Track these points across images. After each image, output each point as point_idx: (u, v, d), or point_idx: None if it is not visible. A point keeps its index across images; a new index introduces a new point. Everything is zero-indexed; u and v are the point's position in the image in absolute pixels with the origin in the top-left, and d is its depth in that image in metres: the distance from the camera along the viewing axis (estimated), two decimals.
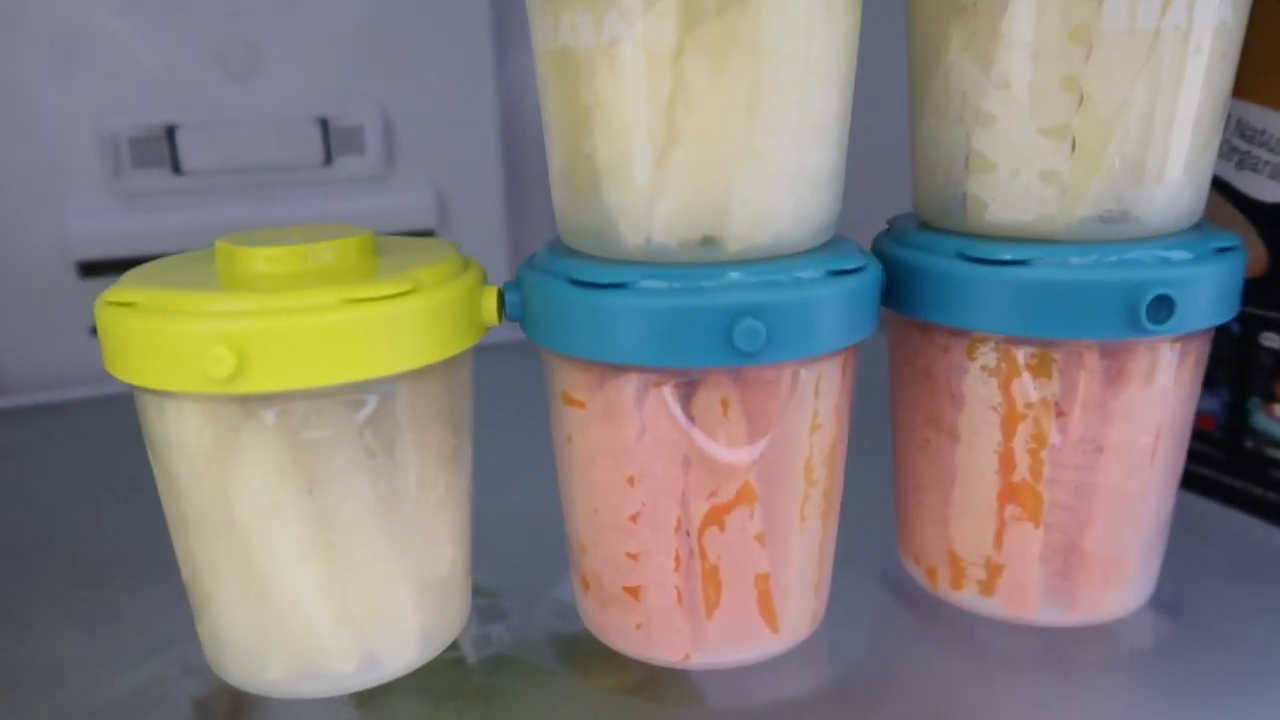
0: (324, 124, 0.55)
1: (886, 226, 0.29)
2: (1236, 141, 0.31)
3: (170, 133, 0.52)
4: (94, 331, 0.53)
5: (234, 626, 0.24)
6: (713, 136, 0.22)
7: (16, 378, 0.52)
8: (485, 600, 0.29)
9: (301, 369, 0.21)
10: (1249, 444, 0.33)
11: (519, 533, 0.32)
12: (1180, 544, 0.29)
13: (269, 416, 0.22)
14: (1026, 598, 0.27)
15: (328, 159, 0.55)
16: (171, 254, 0.53)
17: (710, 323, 0.22)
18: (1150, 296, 0.23)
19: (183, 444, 0.23)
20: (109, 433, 0.47)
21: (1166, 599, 0.28)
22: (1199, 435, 0.34)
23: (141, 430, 0.24)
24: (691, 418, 0.23)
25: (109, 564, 0.33)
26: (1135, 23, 0.22)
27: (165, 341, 0.21)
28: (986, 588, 0.27)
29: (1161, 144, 0.23)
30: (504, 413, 0.38)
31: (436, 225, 0.58)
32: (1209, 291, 0.24)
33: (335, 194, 0.56)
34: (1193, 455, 0.34)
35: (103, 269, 0.52)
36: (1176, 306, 0.23)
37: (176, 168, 0.52)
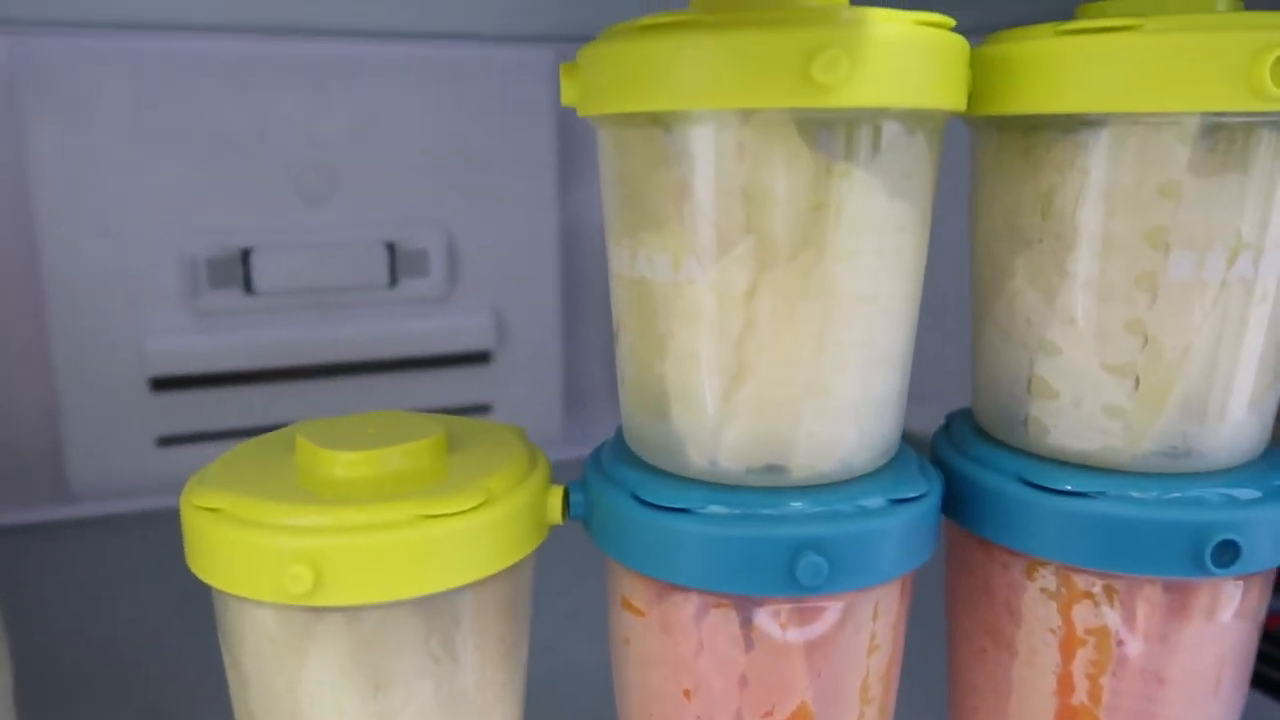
0: (391, 248, 0.57)
1: (945, 424, 0.29)
2: None
3: (245, 255, 0.54)
4: (162, 443, 0.54)
5: None
6: (781, 372, 0.22)
7: (84, 486, 0.54)
8: None
9: (376, 584, 0.22)
10: None
11: (566, 701, 0.32)
12: None
13: (339, 623, 0.23)
14: None
15: (393, 281, 0.57)
16: (240, 371, 0.54)
17: (773, 554, 0.22)
18: (1216, 540, 0.23)
19: (256, 643, 0.24)
20: (175, 546, 0.48)
21: None
22: (1267, 636, 0.33)
23: (216, 624, 0.25)
24: (750, 640, 0.23)
25: (198, 694, 0.33)
26: (1201, 274, 0.22)
27: (246, 553, 0.22)
28: None
29: (1225, 385, 0.23)
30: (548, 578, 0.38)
31: (494, 346, 0.60)
32: (1274, 532, 0.24)
33: (399, 314, 0.58)
34: (1261, 657, 0.34)
35: (174, 384, 0.54)
36: (1242, 550, 0.23)
37: (249, 288, 0.54)
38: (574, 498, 0.26)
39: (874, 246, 0.22)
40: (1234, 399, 0.24)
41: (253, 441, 0.28)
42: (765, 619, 0.23)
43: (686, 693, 0.24)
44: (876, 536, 0.23)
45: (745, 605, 0.23)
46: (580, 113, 0.24)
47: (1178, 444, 0.24)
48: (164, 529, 0.50)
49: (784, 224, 0.21)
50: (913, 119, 0.22)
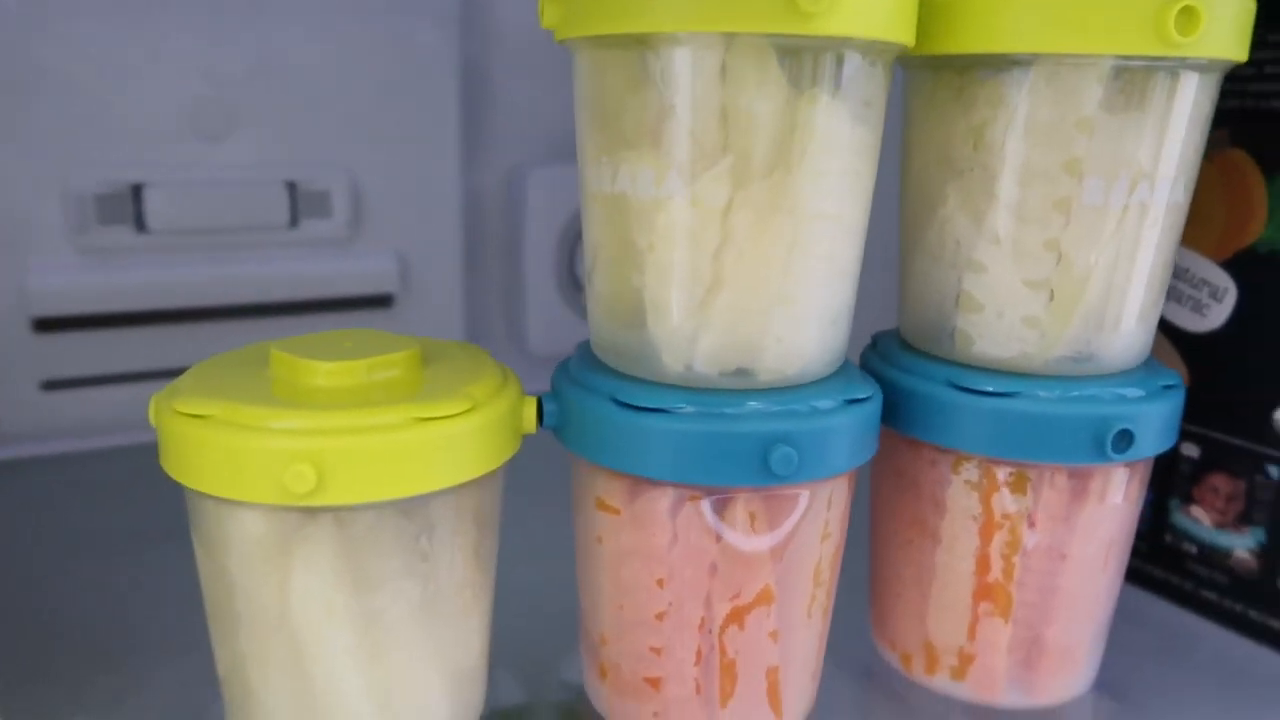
0: (292, 187, 0.55)
1: (871, 342, 0.32)
2: None
3: (137, 191, 0.52)
4: (47, 387, 0.52)
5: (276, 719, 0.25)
6: (753, 283, 0.24)
7: None
8: (499, 680, 0.31)
9: (374, 483, 0.23)
10: (1169, 539, 0.37)
11: (524, 612, 0.34)
12: (1114, 628, 0.33)
13: (330, 522, 0.24)
14: (994, 683, 0.30)
15: (294, 221, 0.56)
16: (131, 312, 0.53)
17: (748, 448, 0.24)
18: (1115, 430, 0.26)
19: (243, 547, 0.24)
20: (62, 490, 0.46)
21: (1108, 681, 0.32)
22: None
23: (192, 529, 0.25)
24: (722, 529, 0.25)
25: (95, 636, 0.33)
26: (1108, 199, 0.26)
27: (245, 456, 0.23)
28: (958, 674, 0.30)
29: (1122, 297, 0.27)
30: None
31: (397, 290, 0.59)
32: (1158, 425, 0.28)
33: (300, 256, 0.56)
34: None
35: (60, 325, 0.51)
36: (1135, 439, 0.27)
37: (141, 225, 0.52)
38: (547, 407, 0.27)
39: (838, 168, 0.24)
40: (1127, 310, 0.27)
41: (215, 359, 0.28)
42: (735, 509, 0.25)
43: (660, 582, 0.26)
44: (834, 432, 0.25)
45: (716, 497, 0.25)
46: (558, 35, 0.25)
47: (1082, 349, 0.27)
48: (52, 475, 0.48)
49: (760, 144, 0.23)
50: (874, 51, 0.24)
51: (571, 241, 0.62)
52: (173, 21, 0.51)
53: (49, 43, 0.49)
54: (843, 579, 0.31)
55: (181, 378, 0.26)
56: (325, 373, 0.25)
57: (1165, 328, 0.36)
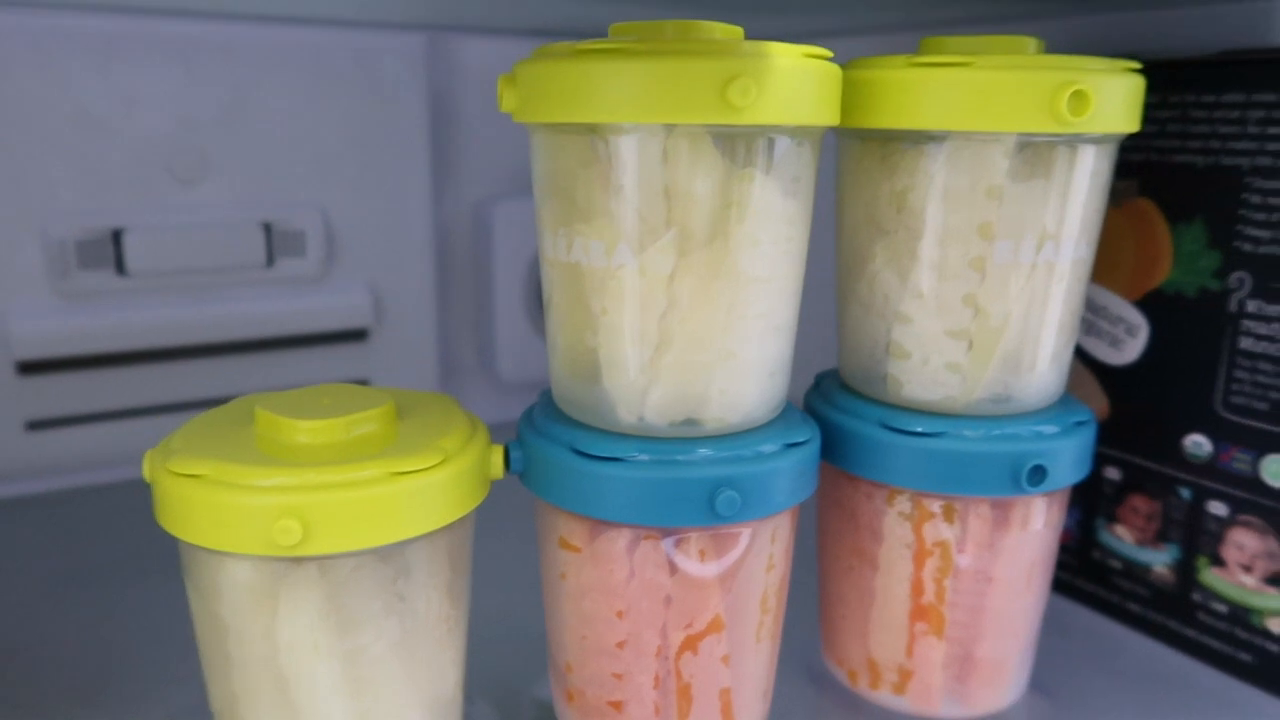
0: (267, 228, 0.57)
1: (815, 383, 0.35)
2: (1086, 314, 0.39)
3: (117, 235, 0.54)
4: (32, 427, 0.53)
5: None
6: (697, 341, 0.27)
7: None
8: (474, 706, 0.33)
9: (354, 534, 0.25)
10: (1096, 555, 0.40)
11: (498, 641, 0.36)
12: (1046, 638, 0.36)
13: (314, 569, 0.26)
14: (931, 696, 0.33)
15: (270, 261, 0.58)
16: (113, 353, 0.54)
17: (695, 493, 0.27)
18: (1029, 466, 0.29)
19: (233, 593, 0.26)
20: (47, 530, 0.48)
21: (1037, 687, 0.35)
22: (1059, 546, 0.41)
23: (185, 576, 0.27)
24: (674, 565, 0.28)
25: (84, 673, 0.35)
26: (1018, 257, 0.29)
27: (235, 513, 0.25)
28: (899, 688, 0.33)
29: (1035, 344, 0.30)
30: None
31: (371, 324, 0.61)
32: (1071, 458, 0.30)
33: (276, 294, 0.58)
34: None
35: (44, 367, 0.53)
36: (1048, 473, 0.29)
37: (121, 269, 0.54)
38: (513, 455, 0.29)
39: (770, 236, 0.27)
40: (1041, 355, 0.30)
41: (204, 415, 0.30)
42: (686, 547, 0.28)
43: (619, 614, 0.28)
44: (775, 474, 0.28)
45: (669, 536, 0.28)
46: (516, 118, 0.28)
47: (1000, 391, 0.30)
48: (38, 513, 0.50)
49: (699, 218, 0.26)
50: (801, 133, 0.27)
51: (539, 272, 0.64)
52: (145, 68, 0.53)
53: (23, 91, 0.50)
54: (795, 602, 0.34)
55: (172, 436, 0.28)
56: (306, 430, 0.27)
57: (1087, 360, 0.39)
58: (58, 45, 0.51)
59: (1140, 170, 0.36)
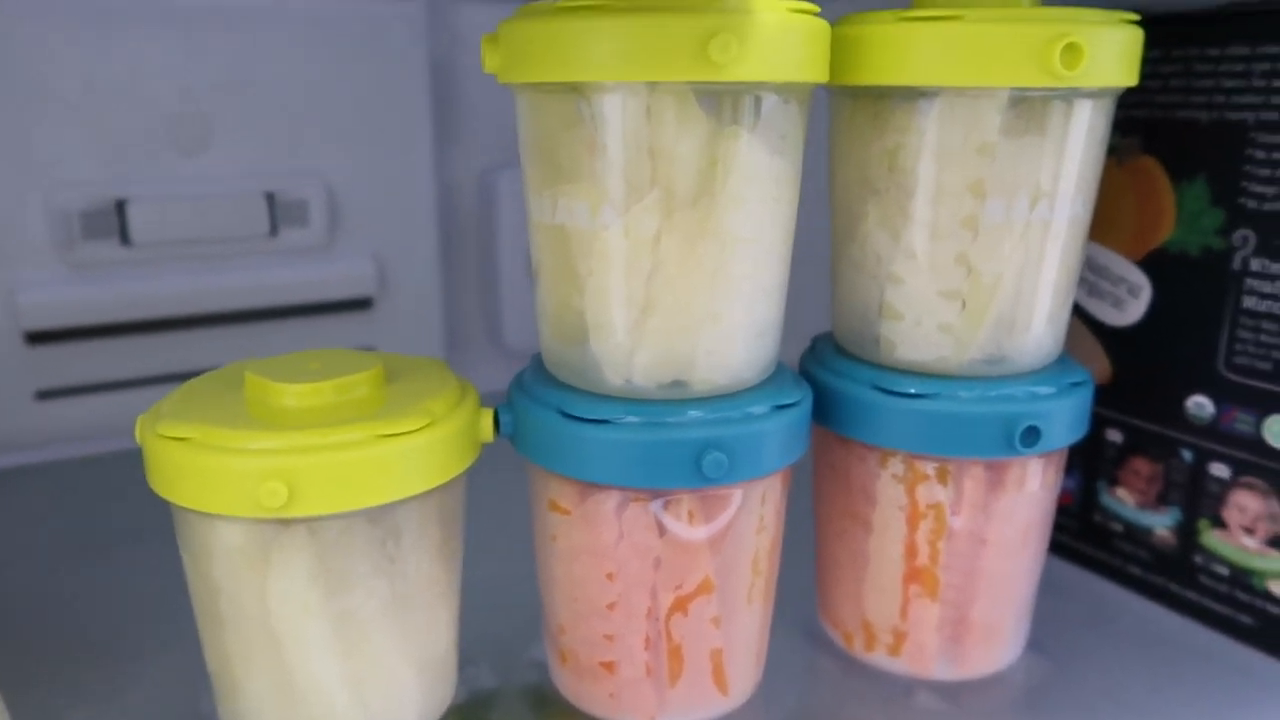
0: (270, 198, 0.57)
1: (810, 345, 0.35)
2: (1087, 274, 0.38)
3: (120, 206, 0.54)
4: (40, 397, 0.54)
5: (260, 710, 0.28)
6: (683, 303, 0.27)
7: None
8: (470, 668, 0.33)
9: (340, 496, 0.25)
10: (1097, 518, 0.40)
11: (494, 604, 0.36)
12: (1045, 601, 0.36)
13: (303, 531, 0.26)
14: (926, 658, 0.33)
15: (273, 231, 0.58)
16: (119, 323, 0.55)
17: (683, 454, 0.27)
18: (1023, 427, 0.29)
19: (225, 555, 0.26)
20: (56, 498, 0.49)
21: (1037, 648, 0.35)
22: (1060, 509, 0.41)
23: (178, 539, 0.28)
24: (663, 526, 0.28)
25: (92, 635, 0.35)
26: (1011, 216, 0.28)
27: (222, 475, 0.25)
28: (894, 650, 0.33)
29: (1029, 305, 0.30)
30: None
31: (376, 293, 0.62)
32: (1066, 419, 0.30)
33: (280, 263, 0.59)
34: (1054, 525, 0.41)
35: (51, 337, 0.53)
36: (1042, 434, 0.29)
37: (126, 239, 0.54)
38: (503, 418, 0.29)
39: (758, 196, 0.26)
40: (1035, 315, 0.30)
41: (195, 380, 0.30)
42: (675, 509, 0.28)
43: (609, 575, 0.28)
44: (763, 436, 0.28)
45: (658, 498, 0.28)
46: (500, 79, 0.27)
47: (994, 352, 0.30)
48: (47, 482, 0.51)
49: (684, 177, 0.26)
50: (787, 90, 0.26)
51: None
52: (146, 38, 0.53)
53: (25, 62, 0.50)
54: (791, 564, 0.34)
55: (163, 400, 0.28)
56: (295, 394, 0.27)
57: (1088, 321, 0.38)
58: (60, 16, 0.51)
59: (1142, 127, 0.36)
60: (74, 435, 0.55)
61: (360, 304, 0.62)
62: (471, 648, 0.34)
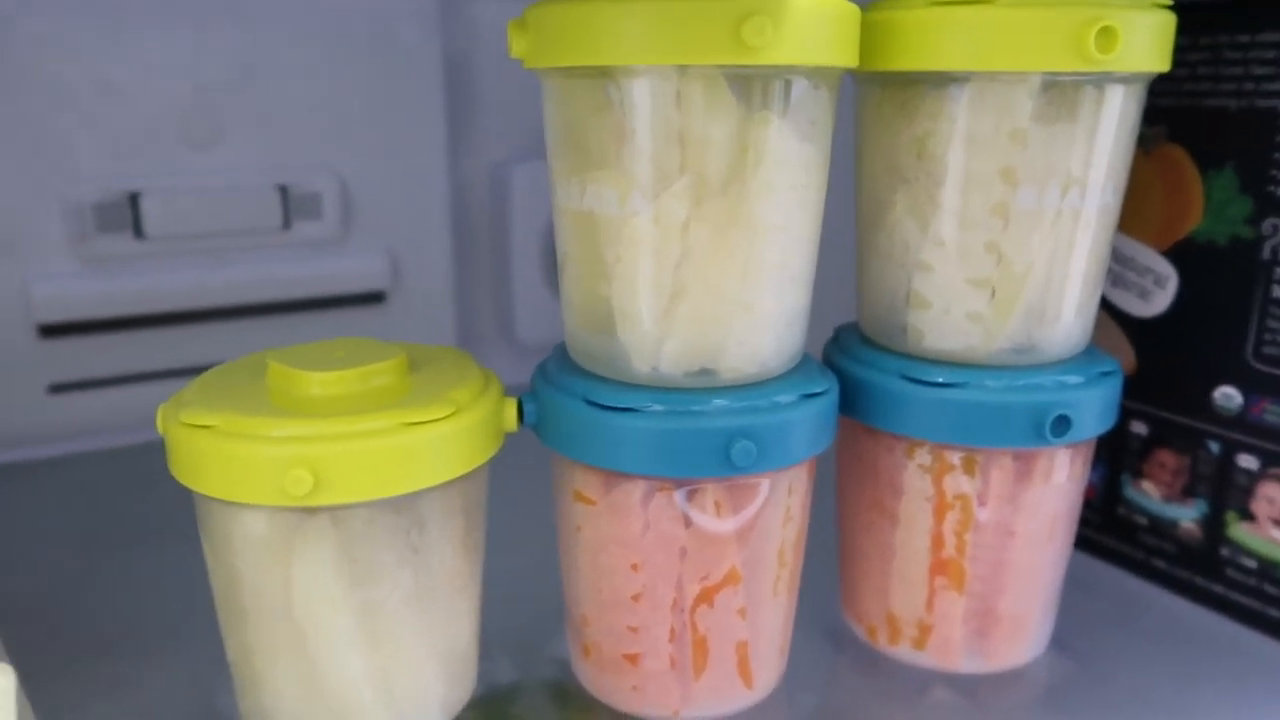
0: (283, 191, 0.57)
1: (834, 335, 0.34)
2: (1113, 265, 0.38)
3: (134, 199, 0.53)
4: (54, 390, 0.54)
5: (283, 703, 0.28)
6: (712, 291, 0.26)
7: None
8: (490, 661, 0.33)
9: (365, 484, 0.25)
10: (1121, 511, 0.39)
11: (515, 596, 0.36)
12: (1069, 595, 0.35)
13: (328, 521, 0.26)
14: (951, 651, 0.32)
15: (286, 224, 0.58)
16: (132, 316, 0.54)
17: (710, 443, 0.26)
18: (1053, 416, 0.28)
19: (248, 545, 0.26)
20: (70, 492, 0.49)
21: (1061, 645, 0.34)
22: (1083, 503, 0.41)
23: (200, 529, 0.28)
24: (689, 517, 0.27)
25: (107, 630, 0.35)
26: (1042, 204, 0.28)
27: (247, 463, 0.25)
28: (919, 643, 0.33)
29: (1059, 294, 0.29)
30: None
31: (389, 287, 0.61)
32: (1095, 409, 0.30)
33: (293, 257, 0.58)
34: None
35: (65, 330, 0.53)
36: (1072, 424, 0.29)
37: (139, 232, 0.54)
38: (527, 407, 0.29)
39: (788, 183, 0.26)
40: (1065, 305, 0.30)
41: (217, 369, 0.30)
42: (701, 498, 0.27)
43: (635, 566, 0.28)
44: (791, 425, 0.27)
45: (685, 488, 0.27)
46: (527, 64, 0.27)
47: (1023, 342, 0.29)
48: (61, 475, 0.50)
49: (714, 164, 0.25)
50: (818, 75, 0.26)
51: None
52: (159, 31, 0.53)
53: (38, 58, 0.50)
54: (814, 557, 0.34)
55: (186, 388, 0.28)
56: (319, 382, 0.27)
57: (1114, 312, 0.38)
58: (73, 11, 0.51)
59: (1169, 115, 0.35)
60: (87, 429, 0.55)
61: (373, 298, 0.62)
62: (493, 641, 0.34)
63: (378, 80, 0.59)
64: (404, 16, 0.59)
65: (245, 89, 0.56)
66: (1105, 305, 0.38)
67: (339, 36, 0.57)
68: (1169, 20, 0.28)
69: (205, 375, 0.29)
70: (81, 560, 0.41)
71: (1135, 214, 0.37)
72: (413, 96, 0.60)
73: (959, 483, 0.30)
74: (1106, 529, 0.40)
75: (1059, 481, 0.31)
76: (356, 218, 0.60)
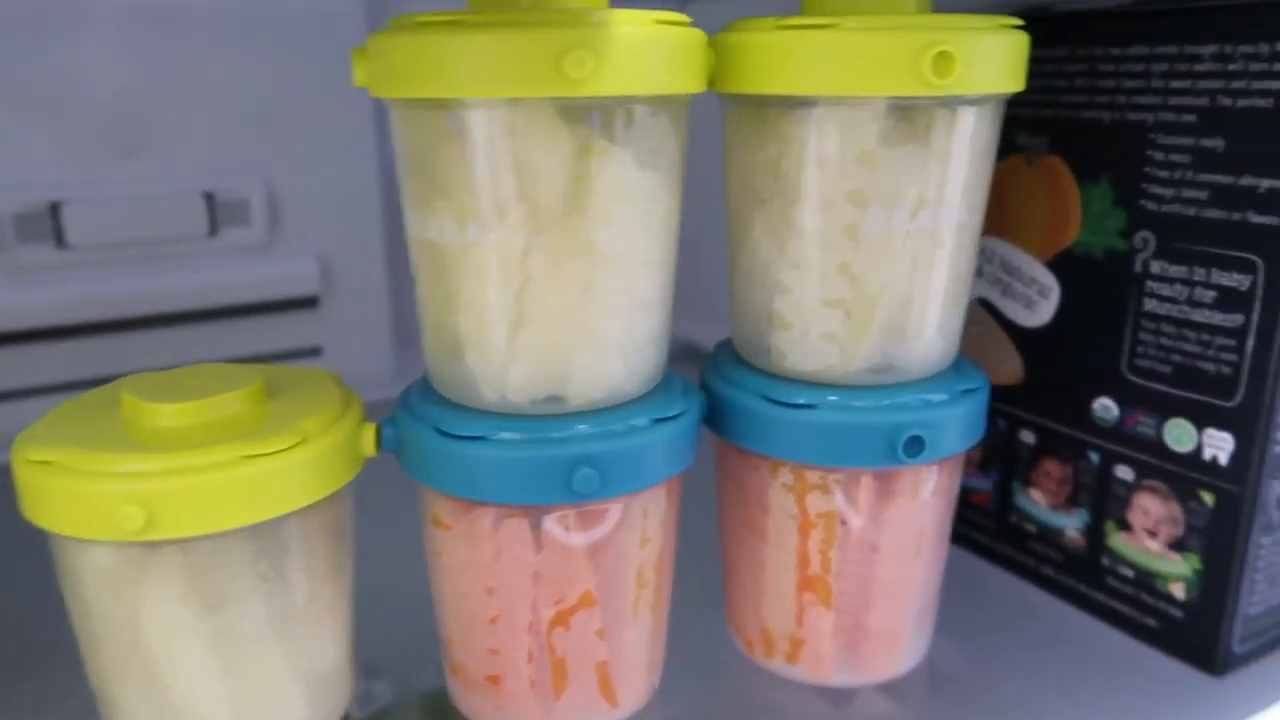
0: (209, 197, 0.57)
1: (713, 352, 0.34)
2: (1000, 274, 0.38)
3: (55, 208, 0.53)
4: None
5: None
6: (555, 319, 0.26)
7: None
8: (368, 682, 0.33)
9: (204, 518, 0.25)
10: (1013, 518, 0.40)
11: (396, 616, 0.36)
12: (961, 601, 0.36)
13: (174, 551, 0.26)
14: (823, 665, 0.32)
15: (213, 231, 0.57)
16: (58, 326, 0.54)
17: (553, 470, 0.26)
18: (905, 437, 0.29)
19: (95, 577, 0.26)
20: None
21: (942, 654, 0.35)
22: (977, 508, 0.41)
23: (53, 560, 0.28)
24: (539, 542, 0.28)
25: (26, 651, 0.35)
26: (891, 225, 0.28)
27: (80, 499, 0.25)
28: (792, 657, 0.33)
29: (917, 314, 0.29)
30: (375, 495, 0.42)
31: (321, 291, 0.61)
32: (956, 426, 0.30)
33: (221, 264, 0.58)
34: (971, 524, 0.41)
35: None
36: (926, 444, 0.29)
37: (61, 242, 0.54)
38: (386, 433, 0.29)
39: (628, 210, 0.26)
40: (925, 324, 0.30)
41: (76, 399, 0.30)
42: (551, 524, 0.27)
43: (490, 590, 0.28)
44: (640, 450, 0.27)
45: (534, 513, 0.27)
46: (372, 93, 0.27)
47: (880, 362, 0.29)
48: None
49: (550, 193, 0.25)
50: (656, 102, 0.26)
51: None
52: (80, 37, 0.52)
53: None
54: (703, 570, 0.34)
55: (38, 423, 0.28)
56: (167, 414, 0.27)
57: (1003, 322, 0.38)
58: None
59: (1050, 126, 0.35)
60: (10, 441, 0.55)
61: (305, 303, 0.62)
62: (372, 661, 0.34)
63: (304, 83, 0.59)
64: (331, 19, 0.58)
65: (170, 94, 0.55)
66: (995, 315, 0.38)
67: (265, 40, 0.57)
68: (1019, 40, 0.28)
69: (64, 405, 0.29)
70: (9, 570, 0.41)
71: (1020, 224, 0.37)
72: (340, 98, 0.60)
73: (821, 501, 0.30)
74: (1000, 535, 0.40)
75: (924, 498, 0.31)
76: (285, 222, 0.60)
